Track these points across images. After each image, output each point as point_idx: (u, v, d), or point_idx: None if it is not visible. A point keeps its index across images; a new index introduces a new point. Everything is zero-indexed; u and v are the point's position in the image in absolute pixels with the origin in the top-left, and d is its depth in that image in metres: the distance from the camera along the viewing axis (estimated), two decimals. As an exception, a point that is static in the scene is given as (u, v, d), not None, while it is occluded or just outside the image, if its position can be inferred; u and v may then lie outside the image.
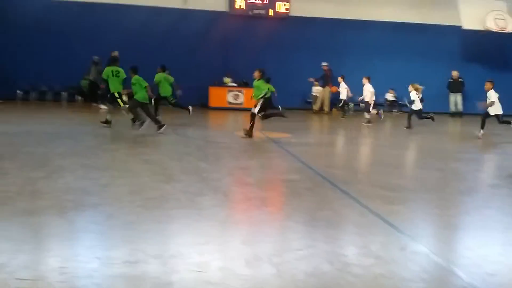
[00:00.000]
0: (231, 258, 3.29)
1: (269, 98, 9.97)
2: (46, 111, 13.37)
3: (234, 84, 18.70)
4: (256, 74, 9.44)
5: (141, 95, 9.42)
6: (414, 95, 12.30)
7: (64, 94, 18.28)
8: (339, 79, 16.06)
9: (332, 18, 18.69)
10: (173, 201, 4.62)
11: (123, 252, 3.27)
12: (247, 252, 3.39)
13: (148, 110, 9.68)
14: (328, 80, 17.40)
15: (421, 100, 12.64)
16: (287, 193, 5.44)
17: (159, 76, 12.11)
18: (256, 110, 9.35)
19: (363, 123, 13.16)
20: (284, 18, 18.98)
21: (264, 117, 9.86)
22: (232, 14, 18.96)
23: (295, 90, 18.33)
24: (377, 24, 18.70)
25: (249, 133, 9.24)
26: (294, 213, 4.43)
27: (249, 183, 5.74)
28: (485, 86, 10.87)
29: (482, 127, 10.69)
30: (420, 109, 12.36)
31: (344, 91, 15.50)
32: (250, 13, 18.89)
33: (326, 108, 17.41)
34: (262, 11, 18.92)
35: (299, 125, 12.75)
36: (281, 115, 10.78)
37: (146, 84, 9.69)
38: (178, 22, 18.75)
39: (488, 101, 10.67)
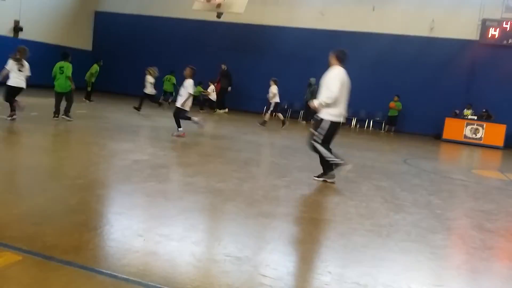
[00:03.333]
0: (470, 309, 3.00)
1: None
2: (284, 127, 14.63)
3: (474, 117, 17.19)
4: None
5: None
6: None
7: (301, 112, 19.87)
8: None
9: None
10: (403, 232, 4.48)
11: (353, 272, 3.33)
12: (489, 306, 3.05)
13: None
14: None
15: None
16: (538, 250, 4.68)
17: None
18: None
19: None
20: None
21: None
22: (482, 43, 17.49)
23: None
24: None
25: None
26: (548, 276, 3.77)
27: (489, 229, 5.14)
28: None
29: None
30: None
31: None
32: (505, 42, 17.08)
33: None
34: (520, 40, 16.90)
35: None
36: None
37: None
38: (423, 50, 18.28)
39: None
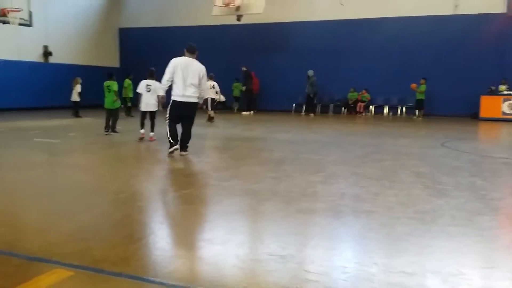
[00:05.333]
0: (525, 289, 2.91)
1: None
2: (315, 122, 14.57)
3: (510, 92, 16.62)
4: None
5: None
6: None
7: (331, 106, 19.77)
8: None
9: None
10: (447, 217, 4.38)
11: (399, 262, 3.29)
12: (545, 286, 2.94)
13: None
14: None
15: None
16: None
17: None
18: None
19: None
20: None
21: None
22: (510, 15, 16.87)
23: None
24: None
25: None
26: None
27: (539, 206, 4.97)
28: None
29: None
30: None
31: None
32: (535, 11, 16.44)
33: None
34: (552, 8, 16.22)
35: None
36: None
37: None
38: (449, 29, 17.83)
39: None
